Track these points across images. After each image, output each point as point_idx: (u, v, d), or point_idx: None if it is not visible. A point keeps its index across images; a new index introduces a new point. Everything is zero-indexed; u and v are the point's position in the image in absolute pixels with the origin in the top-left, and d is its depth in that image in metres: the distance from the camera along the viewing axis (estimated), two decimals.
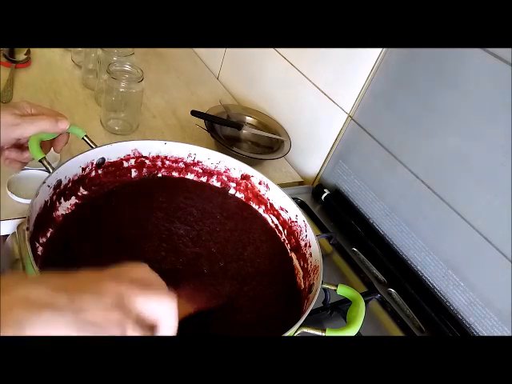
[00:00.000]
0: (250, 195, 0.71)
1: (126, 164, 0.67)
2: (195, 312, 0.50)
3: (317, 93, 0.91)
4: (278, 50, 1.01)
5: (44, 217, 0.55)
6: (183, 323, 0.41)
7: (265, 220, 0.70)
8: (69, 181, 0.60)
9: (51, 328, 0.29)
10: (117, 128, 0.89)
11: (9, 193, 0.67)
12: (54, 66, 1.03)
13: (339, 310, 0.64)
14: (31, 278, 0.38)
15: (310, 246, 0.62)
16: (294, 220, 0.66)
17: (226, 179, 0.72)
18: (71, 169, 0.60)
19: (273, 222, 0.69)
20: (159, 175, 0.71)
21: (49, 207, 0.56)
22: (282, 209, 0.68)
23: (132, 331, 0.32)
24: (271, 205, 0.69)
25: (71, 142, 0.81)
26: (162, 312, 0.35)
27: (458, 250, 0.68)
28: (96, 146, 0.63)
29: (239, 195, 0.72)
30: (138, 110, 0.90)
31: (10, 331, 0.28)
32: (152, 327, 0.35)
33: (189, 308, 0.50)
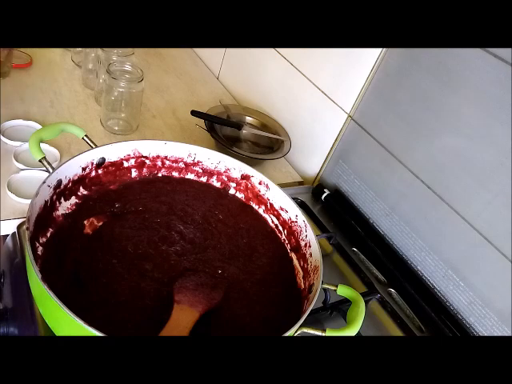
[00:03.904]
0: (250, 195, 0.71)
1: (126, 164, 0.67)
2: (201, 316, 0.50)
3: (317, 93, 0.91)
4: (278, 49, 1.01)
5: (44, 217, 0.55)
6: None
7: (265, 220, 0.70)
8: (69, 181, 0.60)
9: None
10: (117, 128, 0.89)
11: (9, 193, 0.67)
12: (54, 66, 1.03)
13: (339, 309, 0.64)
14: None
15: (310, 246, 0.61)
16: (294, 220, 0.66)
17: (226, 179, 0.72)
18: (71, 169, 0.60)
19: (273, 222, 0.69)
20: (159, 175, 0.71)
21: (49, 207, 0.56)
22: (282, 209, 0.68)
23: None
24: (271, 205, 0.69)
25: (71, 142, 0.81)
26: None
27: (458, 250, 0.68)
28: (96, 146, 0.63)
29: (239, 195, 0.72)
30: (138, 110, 0.90)
31: None
32: None
33: (194, 313, 0.50)
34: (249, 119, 0.99)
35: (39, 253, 0.53)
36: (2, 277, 0.64)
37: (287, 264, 0.65)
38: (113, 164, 0.65)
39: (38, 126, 0.82)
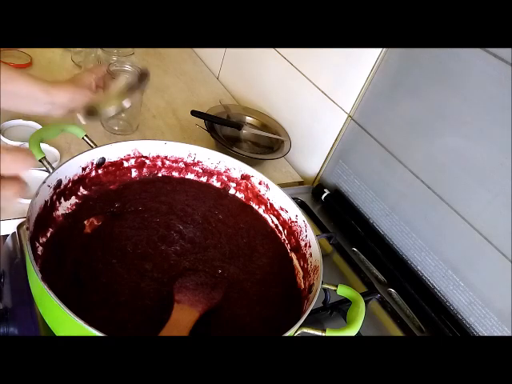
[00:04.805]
0: (250, 195, 0.71)
1: (126, 164, 0.67)
2: (201, 316, 0.50)
3: (317, 93, 0.91)
4: (278, 49, 1.01)
5: (44, 217, 0.55)
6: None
7: (265, 220, 0.70)
8: (69, 181, 0.60)
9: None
10: (117, 128, 0.89)
11: None
12: (54, 65, 1.03)
13: (339, 309, 0.64)
14: None
15: (310, 246, 0.61)
16: (294, 220, 0.66)
17: (226, 179, 0.72)
18: (71, 169, 0.60)
19: (273, 222, 0.69)
20: (159, 175, 0.71)
21: (49, 207, 0.56)
22: (282, 209, 0.68)
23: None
24: (271, 205, 0.69)
25: (71, 142, 0.81)
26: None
27: (458, 250, 0.68)
28: (96, 146, 0.63)
29: (239, 195, 0.72)
30: (138, 110, 0.90)
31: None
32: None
33: (194, 313, 0.50)
34: (249, 119, 0.99)
35: (39, 253, 0.53)
36: (2, 277, 0.64)
37: (287, 264, 0.65)
38: (113, 164, 0.65)
39: (38, 126, 0.82)
